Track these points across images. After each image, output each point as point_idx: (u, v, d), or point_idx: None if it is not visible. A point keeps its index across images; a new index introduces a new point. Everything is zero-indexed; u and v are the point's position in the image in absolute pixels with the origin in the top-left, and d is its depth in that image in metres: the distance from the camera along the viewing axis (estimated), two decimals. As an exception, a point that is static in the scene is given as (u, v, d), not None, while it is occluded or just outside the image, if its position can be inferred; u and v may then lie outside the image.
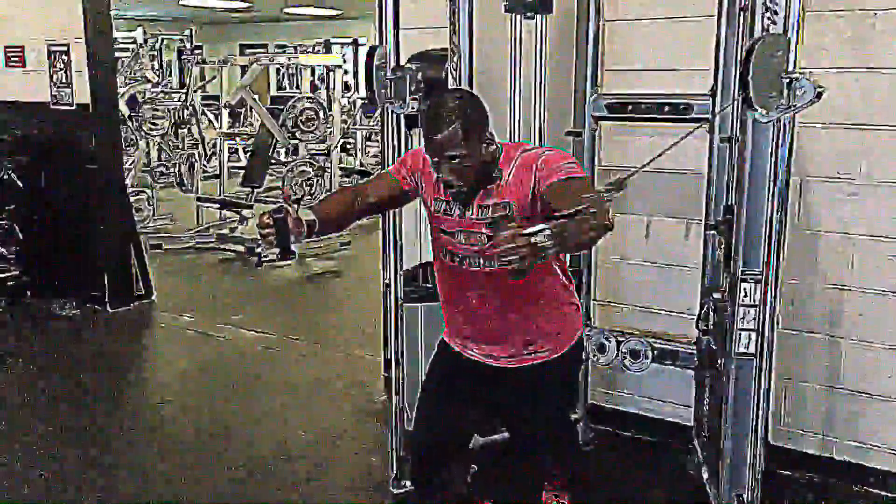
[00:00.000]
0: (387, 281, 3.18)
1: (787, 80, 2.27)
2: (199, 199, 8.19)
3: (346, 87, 9.45)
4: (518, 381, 2.29)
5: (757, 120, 2.36)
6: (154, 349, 5.14)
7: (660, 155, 2.05)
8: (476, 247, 2.17)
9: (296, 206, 2.11)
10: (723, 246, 2.81)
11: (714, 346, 2.92)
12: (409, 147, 2.98)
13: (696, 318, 3.05)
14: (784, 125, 2.39)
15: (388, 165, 2.53)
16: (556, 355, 2.28)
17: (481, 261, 2.18)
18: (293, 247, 2.10)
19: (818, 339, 3.18)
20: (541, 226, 1.69)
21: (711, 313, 2.93)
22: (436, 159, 2.08)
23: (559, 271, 2.27)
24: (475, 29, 2.80)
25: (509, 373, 2.29)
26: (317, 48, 12.34)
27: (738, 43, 2.80)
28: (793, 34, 2.29)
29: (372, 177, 2.53)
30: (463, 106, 2.06)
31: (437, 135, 2.03)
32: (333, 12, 15.55)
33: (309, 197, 7.52)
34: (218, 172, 8.31)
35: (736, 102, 2.64)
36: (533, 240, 1.66)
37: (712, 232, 3.02)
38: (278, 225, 2.06)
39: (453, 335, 2.38)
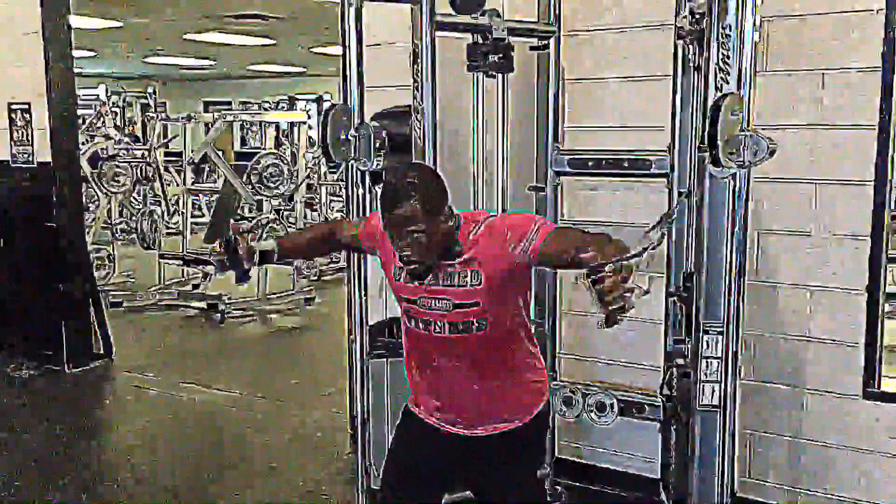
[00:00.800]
0: (352, 335, 3.17)
1: (743, 138, 2.34)
2: (161, 255, 8.13)
3: (311, 142, 9.49)
4: (485, 448, 2.26)
5: (713, 175, 2.42)
6: (114, 411, 5.03)
7: (676, 206, 2.09)
8: (440, 312, 2.14)
9: (247, 234, 2.30)
10: (684, 309, 2.86)
11: (679, 400, 2.95)
12: (375, 204, 3.00)
13: (660, 382, 3.08)
14: (740, 180, 2.46)
15: (352, 218, 2.56)
16: (523, 423, 2.26)
17: (446, 326, 2.15)
18: (249, 270, 2.40)
19: (781, 389, 3.22)
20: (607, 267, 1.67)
21: (675, 379, 2.96)
22: (392, 233, 2.06)
23: (524, 336, 2.26)
24: (438, 87, 2.85)
25: (476, 441, 2.26)
26: (281, 104, 12.43)
27: (693, 101, 2.88)
28: (746, 93, 2.37)
29: (341, 219, 2.63)
30: (421, 181, 2.05)
31: (395, 210, 2.01)
32: (297, 69, 15.73)
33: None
34: (181, 228, 8.27)
35: (695, 158, 2.71)
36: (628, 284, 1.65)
37: (673, 299, 3.05)
38: (229, 250, 2.35)
39: (418, 401, 2.35)
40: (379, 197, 2.10)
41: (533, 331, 2.30)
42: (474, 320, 2.12)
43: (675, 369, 2.93)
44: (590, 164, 3.16)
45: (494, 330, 2.14)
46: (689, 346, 2.68)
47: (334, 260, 8.67)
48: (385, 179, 2.12)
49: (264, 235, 7.39)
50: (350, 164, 3.02)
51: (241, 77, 17.72)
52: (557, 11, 3.20)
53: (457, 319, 2.13)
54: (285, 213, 8.31)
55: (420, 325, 2.20)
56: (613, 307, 1.63)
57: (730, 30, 2.34)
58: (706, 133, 2.33)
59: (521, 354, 2.26)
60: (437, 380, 2.26)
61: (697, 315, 2.52)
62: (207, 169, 10.87)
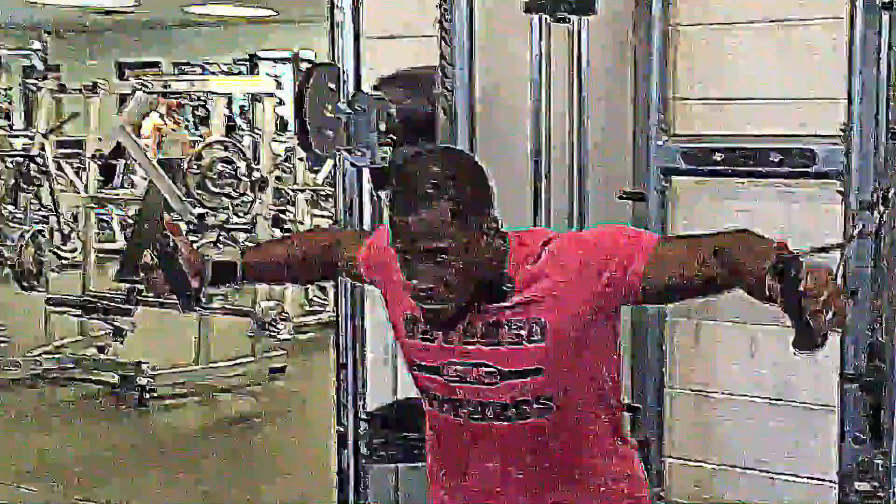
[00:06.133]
0: (341, 428, 3.16)
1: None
2: (49, 301, 8.18)
3: (282, 125, 9.57)
4: None
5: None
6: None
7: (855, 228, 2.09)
8: (478, 388, 2.13)
9: (189, 237, 2.29)
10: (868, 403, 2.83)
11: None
12: (379, 218, 3.02)
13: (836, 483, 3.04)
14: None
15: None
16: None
17: (489, 410, 2.15)
18: (199, 292, 2.37)
19: None
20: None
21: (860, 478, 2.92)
22: (405, 253, 2.04)
23: (611, 426, 2.26)
24: (478, 38, 2.86)
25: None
26: (237, 68, 12.57)
27: (883, 58, 2.86)
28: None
29: (340, 230, 2.66)
30: (455, 172, 2.05)
31: (410, 216, 2.00)
32: (264, 13, 15.90)
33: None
34: (80, 259, 8.32)
35: (888, 148, 2.69)
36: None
37: (852, 385, 3.00)
38: (166, 260, 2.30)
39: None
40: (388, 197, 2.10)
41: (626, 423, 2.30)
42: (533, 400, 2.12)
43: (855, 494, 2.89)
44: (716, 157, 3.15)
45: (565, 415, 2.15)
46: (879, 459, 2.65)
47: (316, 307, 8.67)
48: (398, 170, 2.12)
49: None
50: (340, 158, 3.04)
51: (174, 26, 17.97)
52: (665, -80, 3.22)
53: (505, 399, 2.12)
54: (240, 232, 8.34)
55: (446, 408, 2.21)
56: (831, 313, 1.65)
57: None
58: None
59: (606, 455, 2.26)
60: (473, 495, 2.26)
61: (889, 403, 2.49)
62: (122, 167, 10.99)
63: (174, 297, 2.37)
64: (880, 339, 2.73)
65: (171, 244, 2.32)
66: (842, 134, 2.99)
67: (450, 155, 2.19)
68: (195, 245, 2.50)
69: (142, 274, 2.38)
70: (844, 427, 3.04)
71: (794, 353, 1.74)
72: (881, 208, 2.79)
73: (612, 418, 2.27)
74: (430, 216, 1.98)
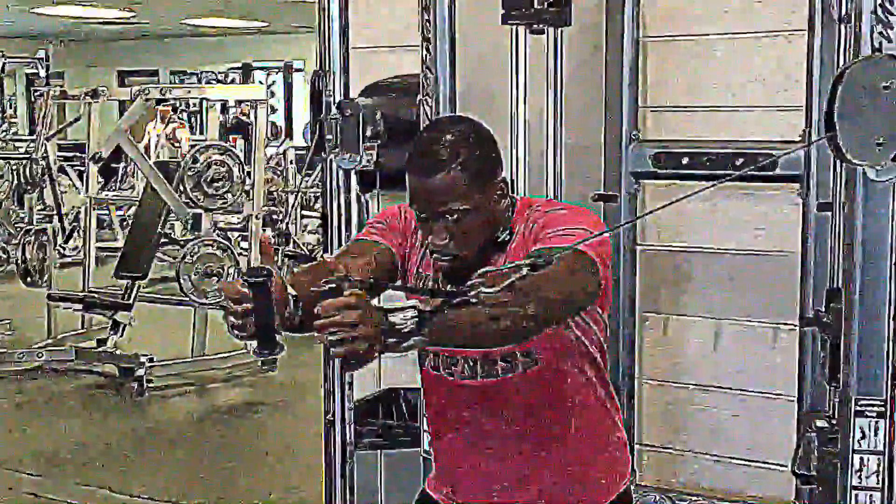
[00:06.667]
0: (330, 416, 3.15)
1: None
2: (51, 296, 8.15)
3: (275, 131, 9.56)
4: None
5: (871, 179, 2.40)
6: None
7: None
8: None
9: (278, 262, 2.14)
10: (825, 351, 2.82)
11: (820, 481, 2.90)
12: (364, 217, 3.00)
13: (791, 461, 3.04)
14: (909, 185, 2.43)
15: (332, 246, 2.55)
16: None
17: (478, 365, 2.18)
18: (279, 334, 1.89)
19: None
20: (411, 302, 1.75)
21: (814, 453, 2.92)
22: (424, 215, 2.11)
23: (595, 378, 2.26)
24: (460, 48, 2.86)
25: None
26: (231, 76, 12.55)
27: (836, 68, 2.87)
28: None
29: (342, 251, 2.60)
30: (468, 139, 2.10)
31: (431, 179, 2.06)
32: (257, 25, 15.86)
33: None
34: (81, 257, 8.29)
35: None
36: (389, 318, 1.72)
37: (809, 329, 3.01)
38: (258, 295, 1.84)
39: (443, 482, 2.37)
40: (409, 160, 2.13)
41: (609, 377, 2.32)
42: (519, 353, 2.14)
43: (814, 436, 2.88)
44: (684, 161, 3.16)
45: (550, 368, 2.16)
46: (836, 397, 2.64)
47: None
48: (417, 138, 2.16)
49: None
50: (328, 161, 3.03)
51: (173, 36, 17.91)
52: (636, -64, 3.22)
53: (494, 355, 2.15)
54: (234, 233, 8.34)
55: (442, 366, 2.23)
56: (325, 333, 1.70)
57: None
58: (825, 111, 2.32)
59: (592, 406, 2.27)
60: (466, 450, 2.28)
61: (846, 364, 2.49)
62: (121, 169, 10.95)
63: (256, 338, 1.87)
64: (836, 286, 2.72)
65: (266, 272, 1.86)
66: (801, 140, 2.99)
67: (463, 124, 2.21)
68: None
69: (229, 305, 1.86)
70: (803, 368, 3.07)
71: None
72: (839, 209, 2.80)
73: (597, 372, 2.27)
74: (445, 179, 2.06)
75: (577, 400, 2.24)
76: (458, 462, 2.33)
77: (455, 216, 2.08)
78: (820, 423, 2.86)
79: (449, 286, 2.14)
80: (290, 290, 1.92)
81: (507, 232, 2.17)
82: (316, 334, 1.72)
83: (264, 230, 9.01)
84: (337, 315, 1.70)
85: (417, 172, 2.09)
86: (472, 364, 2.19)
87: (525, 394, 2.18)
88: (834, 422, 2.68)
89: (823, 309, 2.94)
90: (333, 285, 1.74)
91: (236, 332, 1.87)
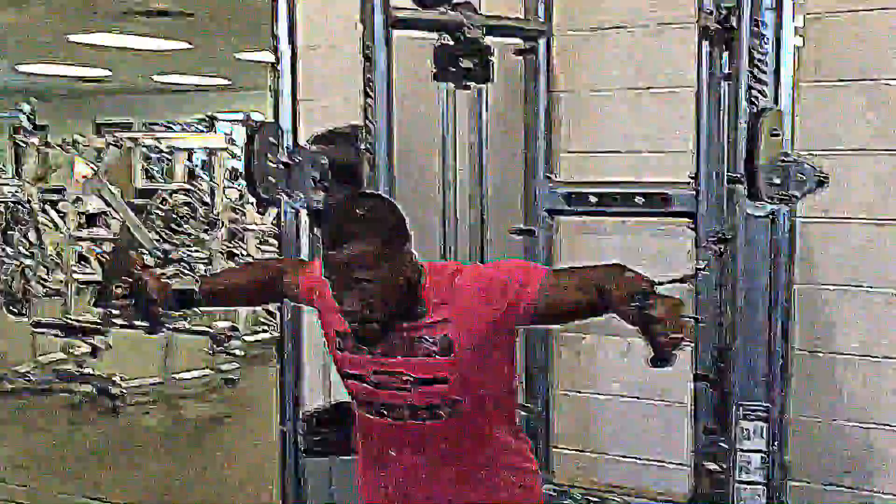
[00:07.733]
0: (283, 427, 3.13)
1: (786, 165, 2.37)
2: (35, 324, 8.04)
3: (234, 174, 9.51)
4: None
5: (751, 214, 2.45)
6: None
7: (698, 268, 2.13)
8: (396, 392, 2.13)
9: (152, 269, 2.46)
10: (716, 396, 2.88)
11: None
12: (317, 251, 3.00)
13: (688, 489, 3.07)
14: (784, 220, 2.48)
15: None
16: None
17: (405, 411, 2.15)
18: (163, 315, 2.43)
19: (844, 493, 3.21)
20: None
21: (710, 460, 2.96)
22: (335, 281, 2.06)
23: (509, 426, 2.27)
24: (396, 101, 2.88)
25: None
26: (196, 126, 12.47)
27: (721, 120, 2.92)
28: (787, 108, 2.41)
29: (284, 259, 2.70)
30: (377, 212, 2.07)
31: (342, 250, 2.02)
32: (221, 81, 15.78)
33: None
34: (62, 288, 8.17)
35: (726, 192, 2.74)
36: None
37: (703, 384, 3.04)
38: (134, 292, 2.38)
39: None
40: (320, 233, 2.11)
41: (520, 420, 2.31)
42: (442, 403, 2.12)
43: (706, 475, 2.92)
44: (592, 199, 3.18)
45: (470, 417, 2.14)
46: (724, 444, 2.68)
47: (264, 326, 8.61)
48: (328, 210, 2.14)
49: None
50: (282, 202, 3.03)
51: (144, 92, 17.73)
52: (549, 5, 3.25)
53: (419, 402, 2.12)
54: (199, 264, 8.29)
55: (372, 410, 2.19)
56: (674, 336, 1.70)
57: (765, 28, 2.39)
58: (742, 160, 2.37)
59: (505, 450, 2.26)
60: (391, 485, 2.25)
61: (732, 398, 2.52)
62: (99, 211, 10.81)
63: (142, 322, 2.47)
64: (725, 344, 2.77)
65: (138, 278, 2.39)
66: (691, 181, 3.04)
67: (372, 200, 2.21)
68: (162, 276, 2.51)
69: (115, 303, 2.44)
70: (697, 418, 3.09)
71: (651, 367, 1.78)
72: (722, 246, 2.84)
73: (510, 418, 2.28)
74: (355, 251, 2.00)
75: (492, 443, 2.23)
76: (379, 496, 2.29)
77: (364, 285, 2.02)
78: (711, 466, 2.91)
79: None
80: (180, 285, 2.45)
81: (419, 301, 2.11)
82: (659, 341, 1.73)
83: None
84: (675, 317, 1.72)
85: (328, 244, 2.04)
86: (399, 410, 2.15)
87: (446, 438, 2.16)
88: (723, 465, 2.71)
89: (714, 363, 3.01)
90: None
91: (122, 319, 2.29)
